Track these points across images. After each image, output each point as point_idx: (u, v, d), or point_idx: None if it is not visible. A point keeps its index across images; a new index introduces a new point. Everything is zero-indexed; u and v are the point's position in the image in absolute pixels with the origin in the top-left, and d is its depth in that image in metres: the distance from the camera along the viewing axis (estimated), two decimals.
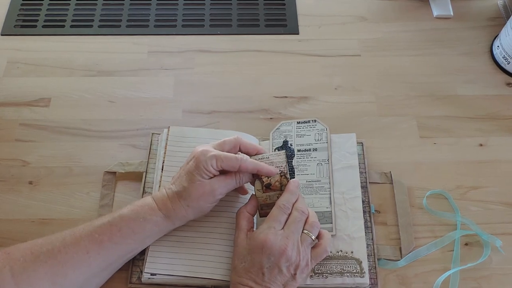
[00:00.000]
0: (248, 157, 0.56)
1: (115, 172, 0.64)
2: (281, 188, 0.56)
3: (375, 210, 0.62)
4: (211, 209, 0.56)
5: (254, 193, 0.56)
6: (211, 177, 0.54)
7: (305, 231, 0.53)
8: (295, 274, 0.51)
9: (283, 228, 0.52)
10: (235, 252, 0.53)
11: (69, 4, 0.82)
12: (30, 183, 0.64)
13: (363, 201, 0.61)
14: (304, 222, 0.54)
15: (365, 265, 0.56)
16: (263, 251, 0.50)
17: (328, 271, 0.56)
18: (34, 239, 0.51)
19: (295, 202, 0.55)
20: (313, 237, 0.53)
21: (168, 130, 0.65)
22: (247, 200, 0.57)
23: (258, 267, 0.50)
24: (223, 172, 0.55)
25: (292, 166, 0.64)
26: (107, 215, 0.53)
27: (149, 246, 0.56)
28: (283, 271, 0.50)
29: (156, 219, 0.53)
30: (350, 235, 0.58)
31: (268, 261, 0.50)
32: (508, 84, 0.75)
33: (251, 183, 0.58)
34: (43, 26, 0.80)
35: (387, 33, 0.80)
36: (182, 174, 0.55)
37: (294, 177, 0.63)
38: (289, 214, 0.53)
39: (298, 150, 0.65)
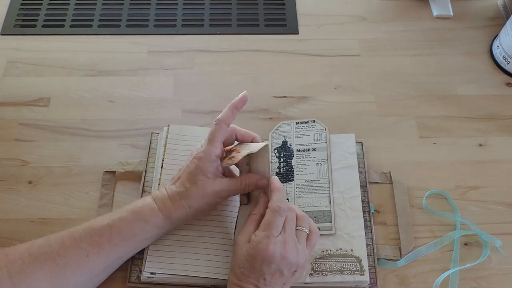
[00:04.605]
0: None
1: (114, 172, 0.64)
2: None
3: (374, 210, 0.62)
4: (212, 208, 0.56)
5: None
6: (216, 177, 0.53)
7: (298, 227, 0.52)
8: (295, 271, 0.51)
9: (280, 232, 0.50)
10: (235, 252, 0.51)
11: (68, 4, 0.82)
12: (30, 182, 0.64)
13: (362, 201, 0.61)
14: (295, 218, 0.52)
15: (365, 263, 0.56)
16: (264, 261, 0.49)
17: (328, 269, 0.56)
18: (32, 240, 0.50)
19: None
20: (307, 231, 0.52)
21: (168, 128, 0.65)
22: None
23: (258, 273, 0.49)
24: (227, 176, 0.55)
25: (292, 166, 0.64)
26: (106, 216, 0.53)
27: (149, 245, 0.56)
28: (284, 274, 0.50)
29: (157, 220, 0.53)
30: (350, 233, 0.58)
31: (269, 269, 0.49)
32: (508, 84, 0.75)
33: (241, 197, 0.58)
34: (43, 26, 0.80)
35: (387, 33, 0.80)
36: (184, 175, 0.54)
37: (293, 177, 0.63)
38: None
39: (297, 150, 0.65)
